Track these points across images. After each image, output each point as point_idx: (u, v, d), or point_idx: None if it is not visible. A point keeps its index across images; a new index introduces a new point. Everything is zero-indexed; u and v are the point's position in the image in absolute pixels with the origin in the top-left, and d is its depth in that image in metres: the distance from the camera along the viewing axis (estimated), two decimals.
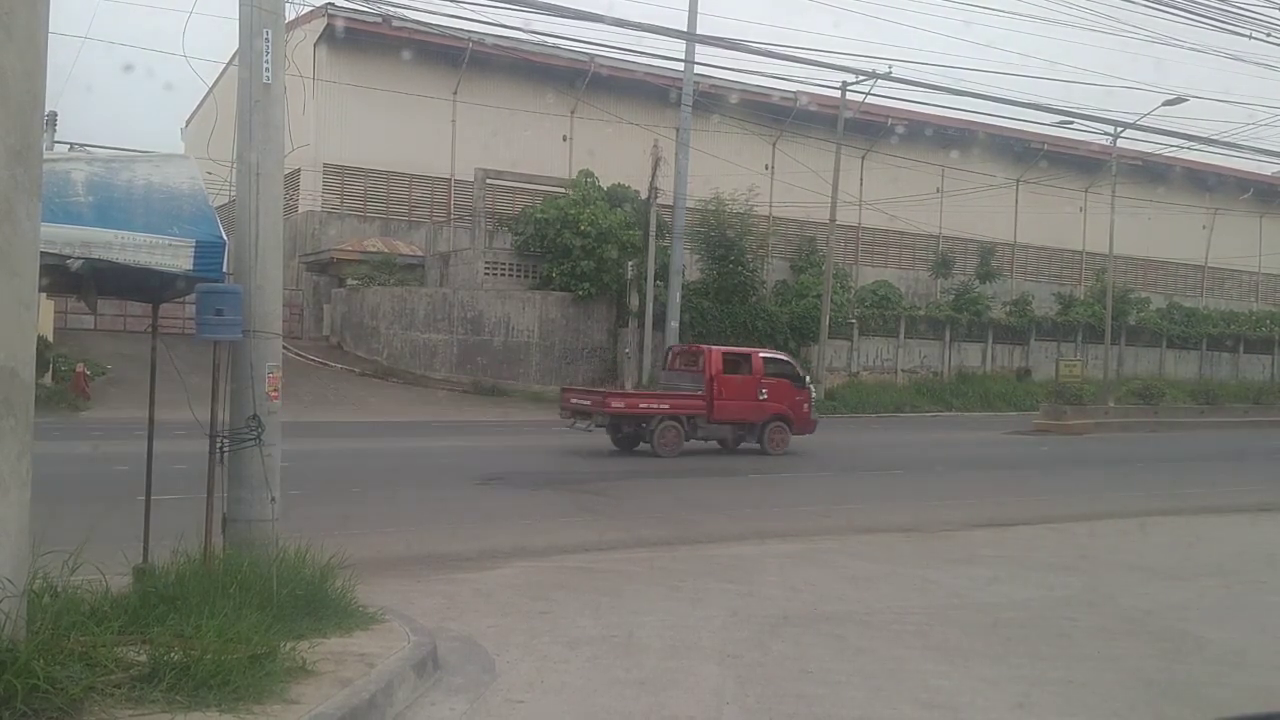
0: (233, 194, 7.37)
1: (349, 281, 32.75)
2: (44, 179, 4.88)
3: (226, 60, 20.87)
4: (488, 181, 31.97)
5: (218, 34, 9.99)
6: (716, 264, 31.97)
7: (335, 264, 33.65)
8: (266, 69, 6.89)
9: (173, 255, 5.88)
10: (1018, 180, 45.34)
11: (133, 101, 55.32)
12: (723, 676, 5.84)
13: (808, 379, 21.21)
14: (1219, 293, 52.74)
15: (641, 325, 29.90)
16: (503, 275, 31.20)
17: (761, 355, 20.62)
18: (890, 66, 33.38)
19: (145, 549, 6.69)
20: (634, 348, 30.09)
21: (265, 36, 6.89)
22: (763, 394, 19.29)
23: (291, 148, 7.36)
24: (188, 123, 44.49)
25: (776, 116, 38.88)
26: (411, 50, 32.55)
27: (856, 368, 34.97)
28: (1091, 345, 38.95)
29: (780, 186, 38.86)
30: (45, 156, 5.39)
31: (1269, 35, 20.75)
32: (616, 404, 18.49)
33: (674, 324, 29.20)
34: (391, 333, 30.70)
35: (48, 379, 22.69)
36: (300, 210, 34.98)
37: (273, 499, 6.88)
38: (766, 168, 39.65)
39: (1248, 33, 20.30)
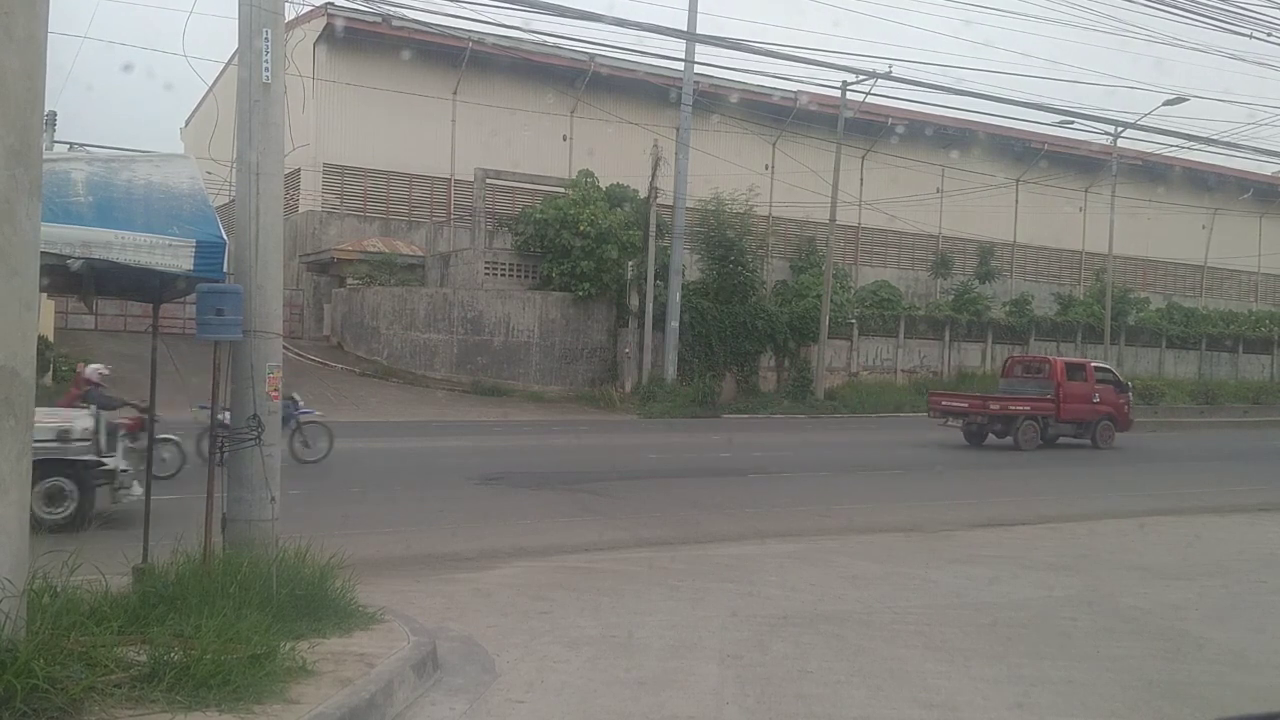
0: (233, 194, 7.37)
1: (349, 281, 32.74)
2: (44, 179, 4.88)
3: (226, 60, 20.86)
4: (488, 181, 31.95)
5: (218, 34, 10.00)
6: (716, 264, 31.95)
7: (335, 264, 33.64)
8: (266, 69, 6.89)
9: (173, 255, 5.88)
10: (1017, 180, 45.34)
11: (133, 101, 55.38)
12: (723, 676, 5.85)
13: (1129, 385, 25.16)
14: (1218, 293, 52.72)
15: (641, 325, 29.89)
16: (503, 275, 31.19)
17: (1093, 365, 24.82)
18: (890, 66, 33.45)
19: (145, 549, 6.70)
20: (634, 348, 30.09)
21: (265, 36, 6.89)
22: (1095, 398, 23.18)
23: (291, 147, 7.37)
24: (188, 123, 44.49)
25: (776, 116, 38.87)
26: (411, 50, 32.55)
27: (856, 368, 34.96)
28: (1091, 345, 38.94)
29: (780, 186, 38.85)
30: (45, 156, 5.39)
31: (1269, 35, 20.75)
32: (993, 406, 22.21)
33: (674, 324, 29.20)
34: (391, 333, 30.70)
35: (48, 379, 22.68)
36: (300, 210, 34.97)
37: (273, 499, 6.89)
38: (766, 168, 39.64)
39: (1248, 32, 20.29)
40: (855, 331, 35.21)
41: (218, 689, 4.60)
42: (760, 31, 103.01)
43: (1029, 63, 63.58)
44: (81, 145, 26.01)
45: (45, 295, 11.30)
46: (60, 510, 10.10)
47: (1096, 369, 24.29)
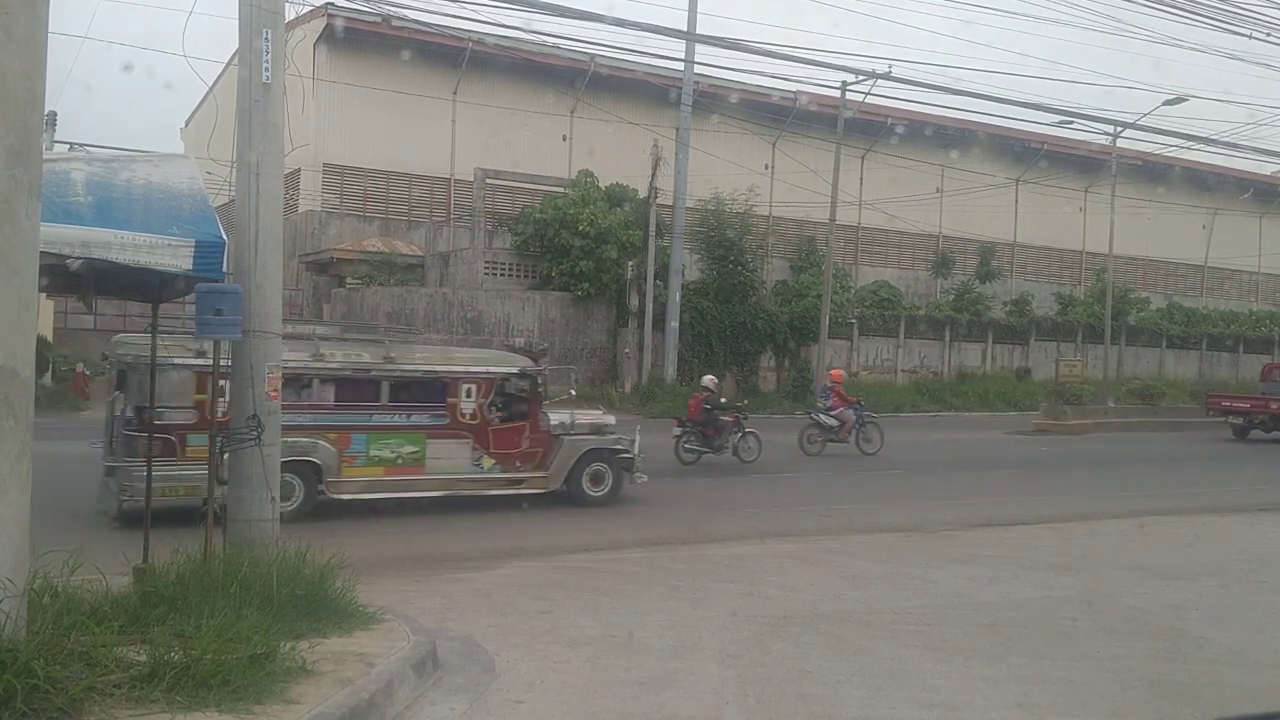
0: (233, 194, 7.37)
1: (349, 281, 32.71)
2: (44, 179, 4.88)
3: (226, 60, 20.85)
4: (487, 181, 31.94)
5: (218, 34, 9.99)
6: (716, 264, 31.93)
7: (335, 264, 33.61)
8: (266, 69, 6.90)
9: (172, 255, 5.88)
10: (1017, 180, 45.31)
11: (132, 101, 55.28)
12: (723, 676, 5.85)
13: None
14: (1219, 293, 52.69)
15: (641, 325, 29.89)
16: (502, 275, 31.18)
17: None
18: (890, 66, 33.30)
19: (145, 548, 6.70)
20: (634, 348, 30.08)
21: (265, 36, 6.90)
22: None
23: (291, 147, 7.37)
24: (188, 123, 44.44)
25: (776, 116, 38.84)
26: (411, 50, 32.52)
27: (856, 368, 34.93)
28: (1091, 345, 38.93)
29: (780, 186, 38.82)
30: (45, 156, 5.39)
31: (1269, 35, 20.75)
32: (1274, 406, 25.35)
33: (674, 324, 29.18)
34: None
35: (48, 379, 22.70)
36: (300, 210, 34.94)
37: (273, 499, 6.89)
38: (766, 168, 39.61)
39: (1248, 33, 20.29)
40: (855, 332, 35.20)
41: (218, 689, 4.60)
42: (760, 31, 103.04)
43: (1028, 63, 63.63)
44: (81, 145, 25.97)
45: (45, 295, 11.30)
46: (601, 489, 12.36)
47: None
